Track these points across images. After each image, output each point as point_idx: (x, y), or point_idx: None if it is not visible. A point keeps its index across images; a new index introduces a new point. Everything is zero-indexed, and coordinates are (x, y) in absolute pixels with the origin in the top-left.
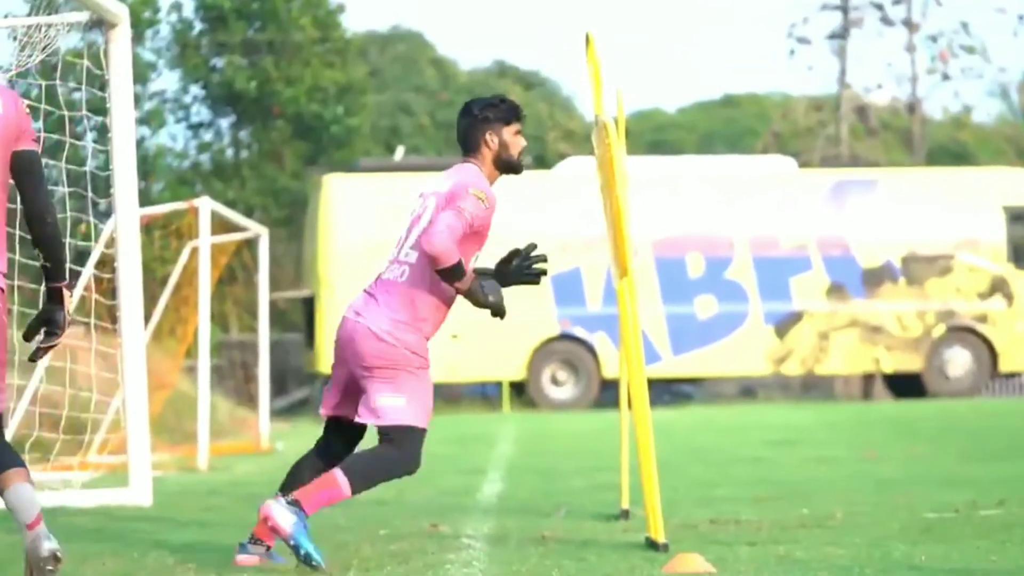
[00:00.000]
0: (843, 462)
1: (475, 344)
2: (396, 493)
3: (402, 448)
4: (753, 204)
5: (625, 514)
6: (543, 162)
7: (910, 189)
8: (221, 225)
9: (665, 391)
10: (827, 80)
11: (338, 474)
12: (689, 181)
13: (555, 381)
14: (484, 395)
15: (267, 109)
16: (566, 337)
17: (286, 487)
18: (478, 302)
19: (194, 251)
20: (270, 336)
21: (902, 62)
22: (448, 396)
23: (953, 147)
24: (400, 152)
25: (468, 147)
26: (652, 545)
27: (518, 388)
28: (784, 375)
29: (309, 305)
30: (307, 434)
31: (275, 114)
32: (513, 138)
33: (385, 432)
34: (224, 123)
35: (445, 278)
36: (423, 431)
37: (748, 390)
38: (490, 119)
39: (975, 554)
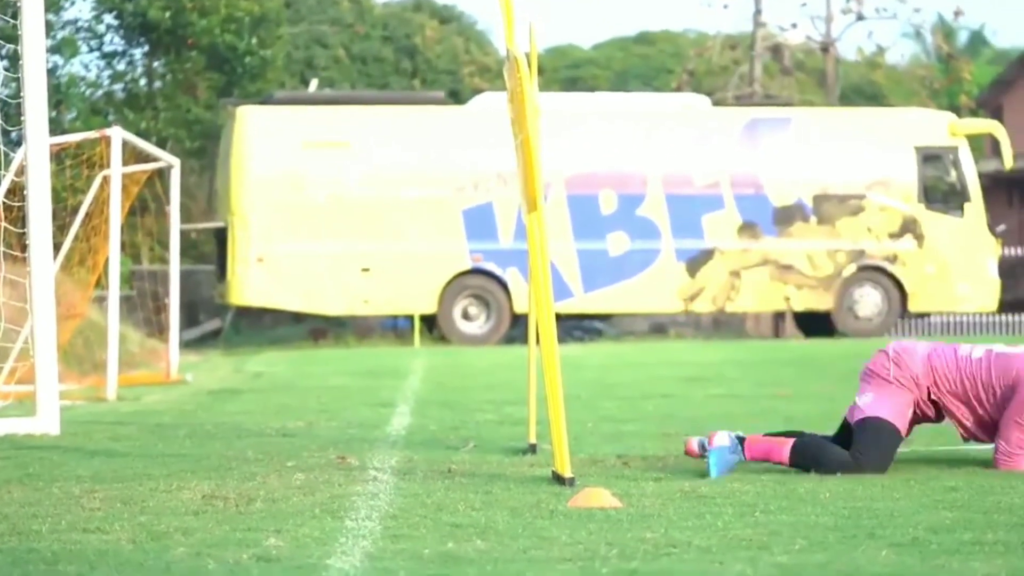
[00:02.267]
0: (752, 399)
1: (386, 278)
2: (305, 426)
3: (861, 448)
4: (666, 141)
5: (532, 448)
6: (458, 97)
7: (823, 128)
8: (133, 155)
9: (576, 327)
10: (742, 19)
11: (791, 443)
12: (602, 118)
13: (466, 316)
14: (396, 329)
15: (181, 39)
16: (478, 272)
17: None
18: None
19: (105, 180)
20: (182, 267)
21: (817, 2)
22: (360, 329)
23: (866, 88)
24: (314, 84)
25: None
26: (558, 479)
27: (430, 322)
28: (695, 312)
29: (221, 236)
30: (217, 366)
31: (189, 45)
32: None
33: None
34: (138, 53)
35: None
36: (893, 432)
37: (659, 327)
38: None
39: (879, 491)
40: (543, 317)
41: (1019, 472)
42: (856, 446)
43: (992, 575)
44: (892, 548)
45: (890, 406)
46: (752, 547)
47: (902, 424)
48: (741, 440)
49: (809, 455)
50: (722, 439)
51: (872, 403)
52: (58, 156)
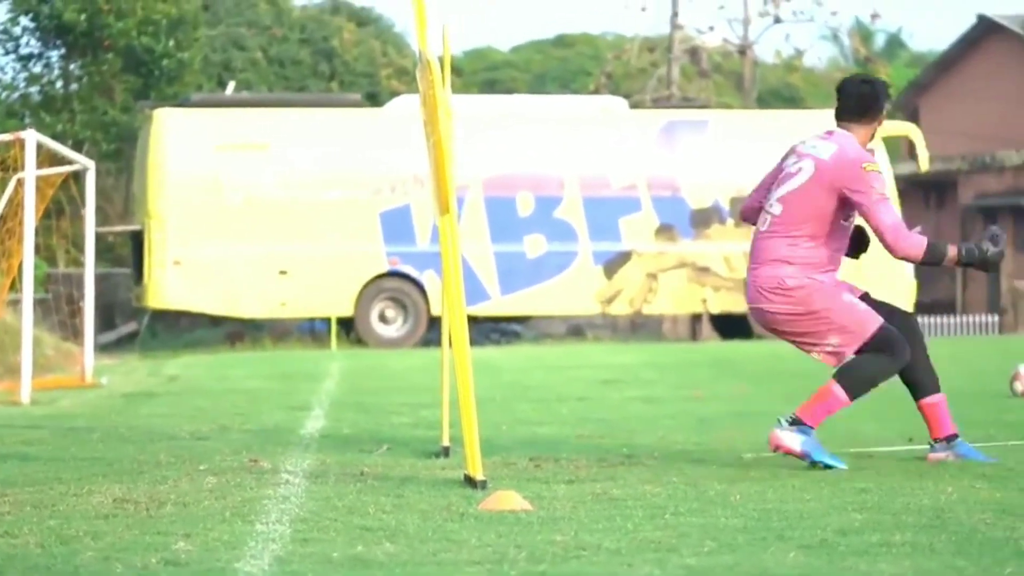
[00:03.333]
0: (667, 401)
1: (304, 280)
2: (219, 429)
3: (887, 349)
4: (583, 144)
5: (446, 451)
6: (375, 100)
7: (740, 131)
8: (48, 158)
9: (493, 329)
10: (660, 22)
11: (834, 386)
12: (520, 120)
13: (383, 318)
14: (313, 332)
15: (97, 42)
16: (394, 274)
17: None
18: (981, 262)
19: (19, 183)
20: (99, 270)
21: (734, 4)
22: (276, 332)
23: (784, 90)
24: (231, 87)
25: (872, 114)
26: (470, 482)
27: (347, 325)
28: (612, 315)
29: (138, 239)
30: (133, 369)
31: (105, 47)
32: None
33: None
34: (54, 55)
35: (931, 265)
36: (883, 326)
37: (577, 329)
38: (879, 106)
39: (789, 493)
40: (455, 320)
41: (929, 472)
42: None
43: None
44: (801, 550)
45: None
46: (661, 549)
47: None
48: (798, 421)
49: (860, 380)
50: (795, 443)
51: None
52: None
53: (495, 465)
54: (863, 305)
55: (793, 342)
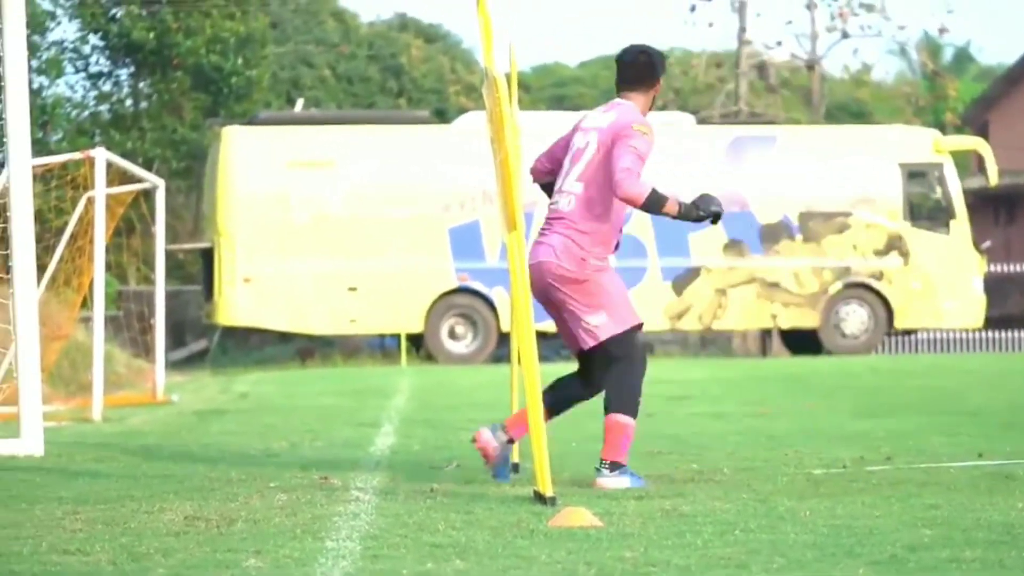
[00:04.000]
0: (736, 417)
1: (373, 297)
2: (289, 446)
3: (629, 355)
4: (651, 160)
5: (515, 468)
6: (443, 116)
7: (808, 146)
8: (118, 176)
9: (563, 345)
10: (727, 37)
11: (613, 417)
12: None
13: (453, 335)
14: (383, 348)
15: (167, 60)
16: (464, 291)
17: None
18: (697, 218)
19: (90, 201)
20: (169, 287)
21: (802, 19)
22: (347, 349)
23: (852, 105)
24: (299, 104)
25: (648, 82)
26: (540, 499)
27: (416, 341)
28: (682, 331)
29: (208, 257)
30: (204, 386)
31: (174, 65)
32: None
33: (605, 347)
34: (123, 74)
35: (650, 212)
36: (637, 327)
37: (646, 345)
38: (659, 71)
39: (859, 509)
40: (523, 336)
41: (999, 488)
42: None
43: None
44: (870, 566)
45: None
46: (731, 565)
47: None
48: (614, 465)
49: (625, 399)
50: (618, 483)
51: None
52: (43, 177)
53: (565, 482)
54: (630, 298)
55: (558, 314)
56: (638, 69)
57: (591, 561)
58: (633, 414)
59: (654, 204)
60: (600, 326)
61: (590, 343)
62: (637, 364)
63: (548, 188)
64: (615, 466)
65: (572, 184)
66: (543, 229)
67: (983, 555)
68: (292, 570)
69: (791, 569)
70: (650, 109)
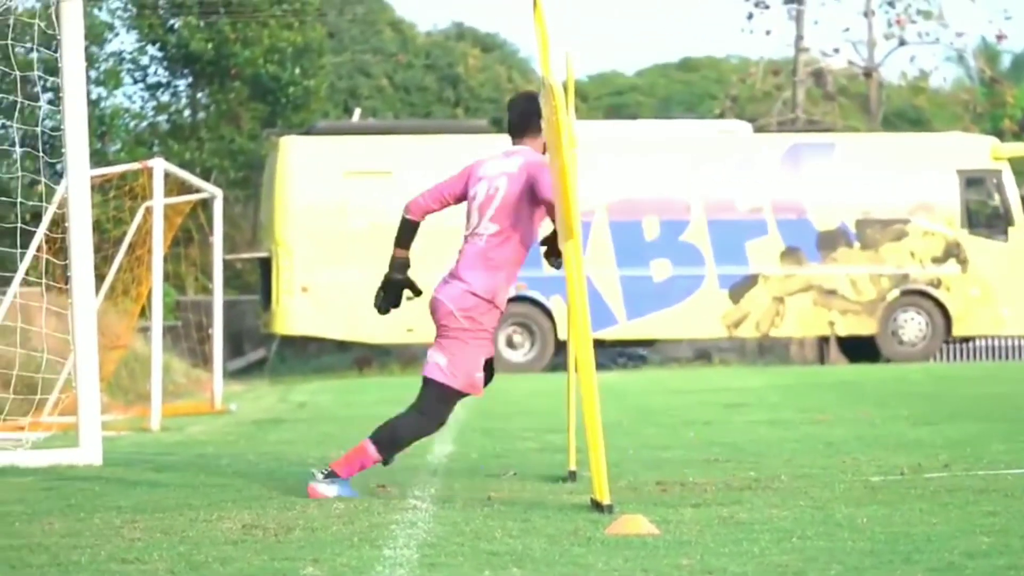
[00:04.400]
0: (793, 425)
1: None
2: None
3: (424, 408)
4: (709, 168)
5: (572, 476)
6: (501, 125)
7: (865, 153)
8: (176, 186)
9: (620, 354)
10: (785, 44)
11: (368, 444)
12: (645, 144)
13: (511, 343)
14: None
15: (224, 70)
16: (522, 299)
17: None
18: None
19: (148, 211)
20: (227, 297)
21: (859, 27)
22: (404, 357)
23: (910, 112)
24: (357, 114)
25: (531, 131)
26: (597, 506)
27: None
28: (739, 338)
29: (266, 266)
30: (262, 395)
31: (232, 75)
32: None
33: (423, 383)
34: (181, 84)
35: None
36: (454, 392)
37: (703, 353)
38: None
39: (916, 516)
40: (581, 345)
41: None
42: (420, 400)
43: None
44: (927, 573)
45: (465, 365)
46: (788, 573)
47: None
48: (333, 473)
49: (390, 440)
50: (331, 492)
51: (447, 366)
52: (102, 187)
53: (622, 489)
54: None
55: (436, 338)
56: (528, 117)
57: (648, 568)
58: (384, 455)
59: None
60: (439, 368)
61: (427, 374)
62: (425, 421)
63: (414, 229)
64: (332, 476)
65: (486, 226)
66: (454, 269)
67: None
68: None
69: None
70: (544, 149)
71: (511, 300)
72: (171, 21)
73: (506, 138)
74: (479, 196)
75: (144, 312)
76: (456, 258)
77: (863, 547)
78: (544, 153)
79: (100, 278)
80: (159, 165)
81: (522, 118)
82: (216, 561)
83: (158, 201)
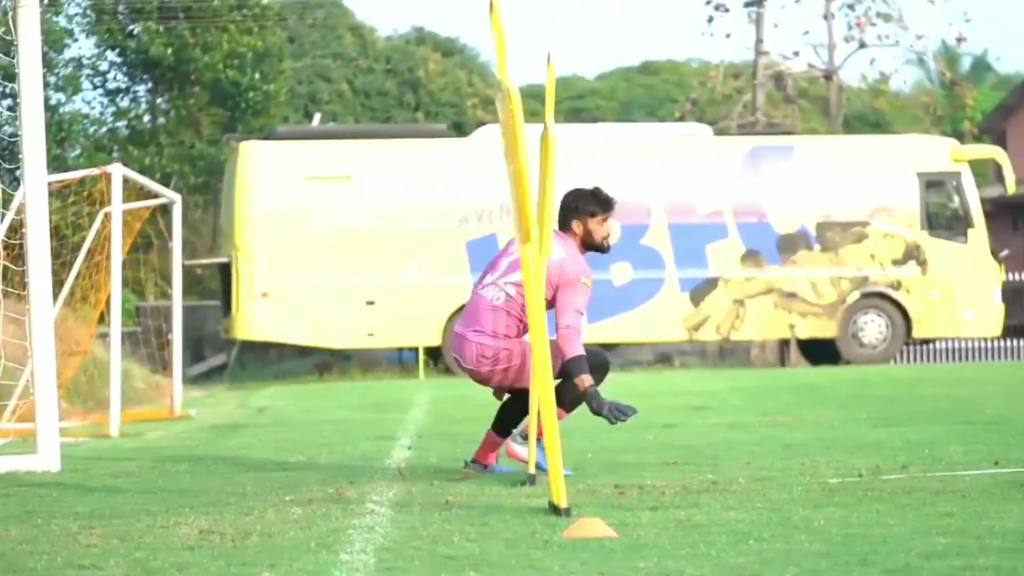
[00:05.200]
0: (752, 427)
1: (391, 311)
2: (306, 460)
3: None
4: (669, 171)
5: (531, 479)
6: (461, 129)
7: (825, 156)
8: (136, 191)
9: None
10: (745, 48)
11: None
12: (605, 148)
13: None
14: (401, 361)
15: (184, 75)
16: None
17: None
18: (593, 409)
19: (107, 217)
20: (187, 302)
21: (819, 30)
22: (365, 363)
23: (870, 115)
24: (317, 119)
25: (561, 226)
26: (555, 510)
27: (435, 354)
28: (700, 342)
29: (225, 271)
30: (222, 401)
31: (192, 81)
32: (598, 226)
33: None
34: (141, 90)
35: (566, 367)
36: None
37: (664, 356)
38: (579, 210)
39: (874, 518)
40: (537, 349)
41: (1015, 496)
42: None
43: None
44: (884, 574)
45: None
46: (744, 575)
47: None
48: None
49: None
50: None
51: None
52: (61, 193)
53: (580, 493)
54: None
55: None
56: (562, 211)
57: (604, 571)
58: (569, 411)
59: (574, 368)
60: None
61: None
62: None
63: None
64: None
65: (507, 285)
66: (472, 319)
67: (997, 563)
68: None
69: None
70: (583, 247)
71: None
72: (130, 26)
73: (464, 141)
74: (511, 254)
75: (103, 318)
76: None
77: (820, 549)
78: (582, 246)
79: (59, 284)
80: (117, 171)
81: (560, 212)
82: (172, 567)
83: (116, 207)
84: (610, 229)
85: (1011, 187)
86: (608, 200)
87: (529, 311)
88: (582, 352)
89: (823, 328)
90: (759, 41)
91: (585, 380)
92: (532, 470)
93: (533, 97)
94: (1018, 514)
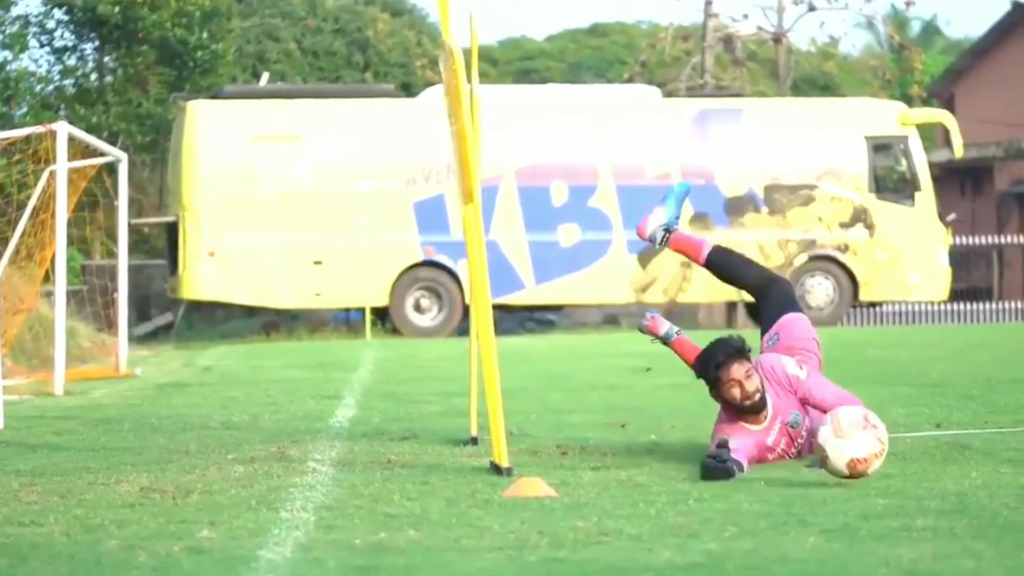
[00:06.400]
0: (696, 389)
1: (338, 271)
2: (250, 419)
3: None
4: (617, 133)
5: (474, 440)
6: (409, 90)
7: (774, 119)
8: (81, 150)
9: (529, 318)
10: (694, 10)
11: (709, 247)
12: (553, 109)
13: (418, 308)
14: (348, 322)
15: (132, 34)
16: (429, 264)
17: None
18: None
19: (52, 175)
20: (134, 261)
21: None
22: (312, 322)
23: (819, 78)
24: (265, 78)
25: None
26: (496, 469)
27: (382, 315)
28: (647, 303)
29: (172, 231)
30: (167, 360)
31: (140, 39)
32: (729, 391)
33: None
34: (88, 48)
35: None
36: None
37: (612, 318)
38: (711, 383)
39: (815, 478)
40: (479, 308)
41: (954, 457)
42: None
43: (918, 560)
44: (822, 535)
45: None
46: (682, 534)
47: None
48: (668, 231)
49: (726, 265)
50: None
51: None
52: (7, 151)
53: (522, 453)
54: None
55: None
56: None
57: (544, 530)
58: (713, 266)
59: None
60: None
61: None
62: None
63: None
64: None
65: None
66: None
67: (935, 524)
68: (245, 541)
69: (743, 538)
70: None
71: (419, 265)
72: None
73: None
74: None
75: (48, 276)
76: None
77: (759, 509)
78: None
79: (4, 242)
80: (63, 129)
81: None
82: (112, 524)
83: (62, 165)
84: (748, 386)
85: (959, 151)
86: (721, 364)
87: (470, 267)
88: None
89: None
90: (708, 3)
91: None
92: (474, 431)
93: (485, 60)
94: (958, 475)
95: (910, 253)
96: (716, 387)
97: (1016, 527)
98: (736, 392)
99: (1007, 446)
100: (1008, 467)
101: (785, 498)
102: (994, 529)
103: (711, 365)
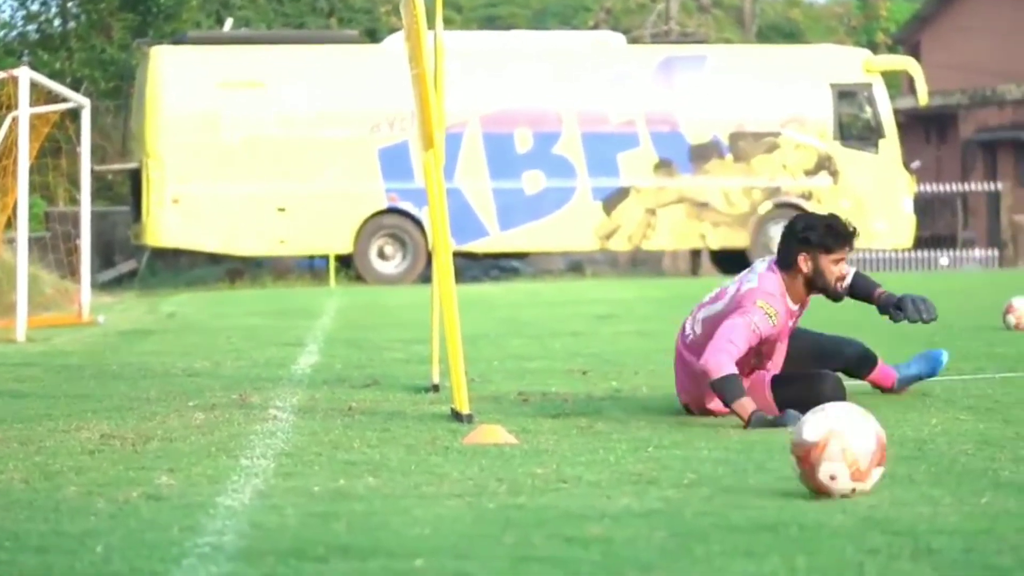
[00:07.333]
0: (660, 336)
1: (302, 218)
2: (211, 366)
3: None
4: (581, 80)
5: (435, 388)
6: (374, 36)
7: (738, 66)
8: (44, 96)
9: (493, 266)
10: None
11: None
12: (517, 56)
13: (382, 255)
14: (312, 269)
15: None
16: (393, 211)
17: None
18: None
19: (14, 121)
20: (98, 208)
21: None
22: (276, 270)
23: (784, 25)
24: (229, 24)
25: (782, 263)
26: (456, 416)
27: (346, 262)
28: (612, 251)
29: (136, 177)
30: (131, 307)
31: None
32: (831, 266)
33: None
34: None
35: (714, 391)
36: None
37: (576, 265)
38: (811, 242)
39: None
40: (440, 254)
41: (915, 405)
42: None
43: (876, 506)
44: (780, 481)
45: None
46: (641, 481)
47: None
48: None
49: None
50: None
51: None
52: None
53: (483, 400)
54: None
55: None
56: (784, 241)
57: (502, 477)
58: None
59: (723, 390)
60: None
61: None
62: None
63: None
64: None
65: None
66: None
67: (894, 470)
68: (204, 487)
69: (700, 484)
70: (799, 298)
71: (383, 212)
72: None
73: (376, 48)
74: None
75: (11, 223)
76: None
77: (718, 456)
78: (805, 287)
79: None
80: (24, 74)
81: (784, 241)
82: (72, 471)
83: (24, 111)
84: (846, 270)
85: (923, 98)
86: (847, 235)
87: (431, 213)
88: (729, 371)
89: (735, 238)
90: None
91: (745, 406)
92: (436, 378)
93: (450, 6)
94: (916, 422)
95: (874, 201)
96: (829, 252)
97: (974, 474)
98: (836, 272)
99: (967, 393)
100: (967, 414)
101: (745, 446)
102: (952, 476)
103: (848, 228)
